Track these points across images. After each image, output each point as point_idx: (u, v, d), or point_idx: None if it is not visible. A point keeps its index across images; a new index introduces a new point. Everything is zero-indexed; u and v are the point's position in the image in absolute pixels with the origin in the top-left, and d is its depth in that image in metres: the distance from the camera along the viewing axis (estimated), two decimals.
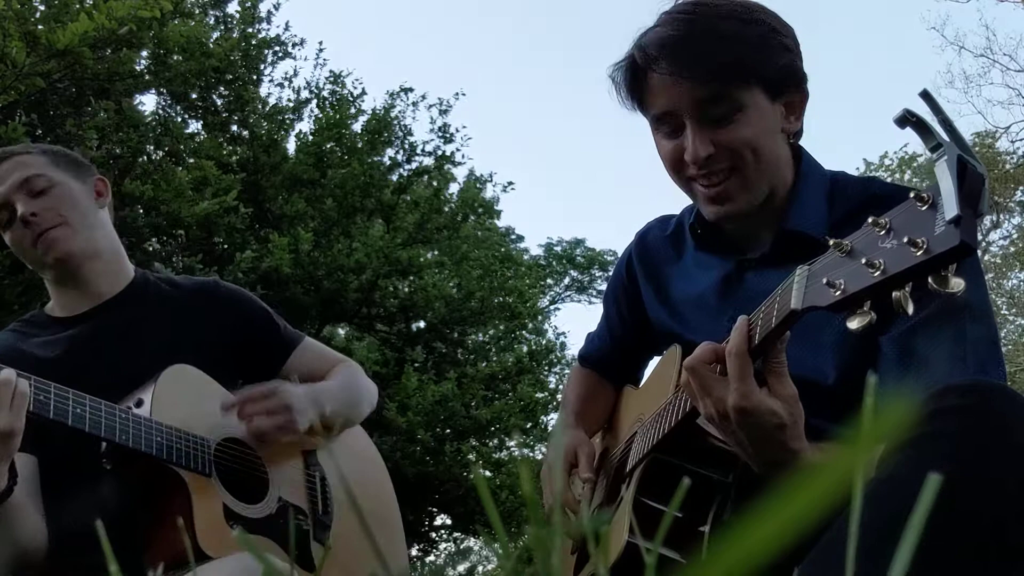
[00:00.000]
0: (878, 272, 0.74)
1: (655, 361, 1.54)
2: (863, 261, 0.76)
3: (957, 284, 0.69)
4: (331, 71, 10.31)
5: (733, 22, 1.16)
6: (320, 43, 11.01)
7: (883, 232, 0.75)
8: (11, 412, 1.18)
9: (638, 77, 1.22)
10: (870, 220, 0.76)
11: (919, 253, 0.70)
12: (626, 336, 1.56)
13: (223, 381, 1.52)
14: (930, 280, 0.70)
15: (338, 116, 9.83)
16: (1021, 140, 15.39)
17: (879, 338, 1.11)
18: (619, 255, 1.60)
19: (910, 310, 0.73)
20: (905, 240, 0.71)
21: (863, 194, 1.22)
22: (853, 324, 0.81)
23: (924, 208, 0.70)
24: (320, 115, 9.94)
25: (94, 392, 1.29)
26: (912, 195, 0.72)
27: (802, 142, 1.29)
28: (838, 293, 0.80)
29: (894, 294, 0.73)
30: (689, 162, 1.18)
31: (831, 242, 0.81)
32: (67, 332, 1.50)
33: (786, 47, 1.18)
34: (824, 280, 0.82)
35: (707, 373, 1.00)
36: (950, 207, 0.66)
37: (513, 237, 18.34)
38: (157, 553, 1.29)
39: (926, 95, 0.69)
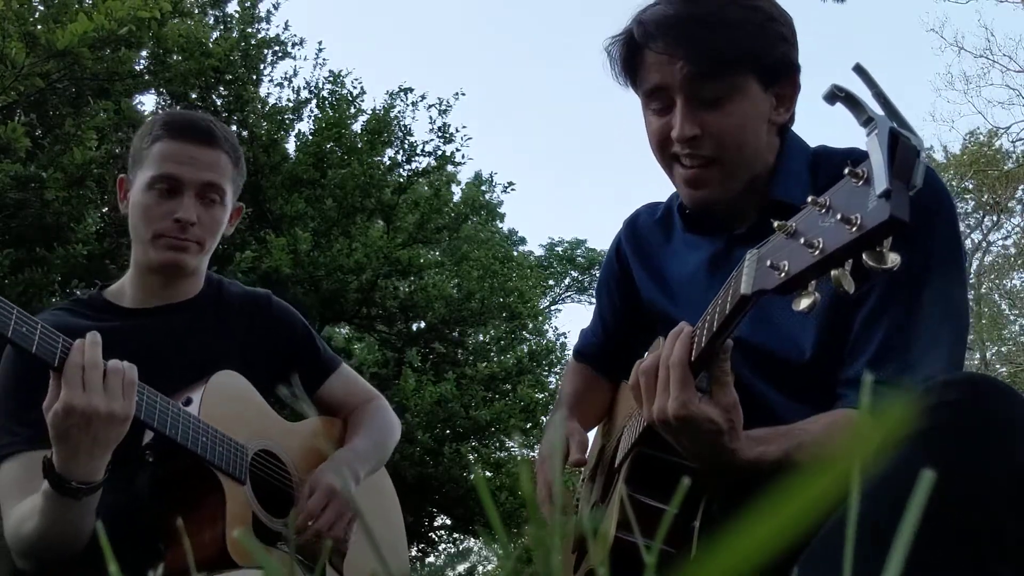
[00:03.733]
0: (817, 251, 0.73)
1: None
2: (802, 241, 0.75)
3: (894, 260, 0.68)
4: (331, 71, 10.30)
5: (734, 7, 1.17)
6: (320, 43, 10.99)
7: (823, 210, 0.74)
8: (124, 398, 1.21)
9: (634, 53, 1.22)
10: (810, 199, 0.75)
11: (853, 230, 0.68)
12: (620, 326, 1.55)
13: (259, 392, 1.53)
14: (865, 257, 0.69)
15: (337, 116, 9.82)
16: (1021, 140, 15.32)
17: (854, 315, 1.11)
18: None
19: (850, 289, 0.72)
20: (839, 217, 0.70)
21: (846, 160, 1.21)
22: (800, 305, 0.80)
23: (859, 184, 0.69)
24: (320, 115, 9.94)
25: None
26: (847, 171, 0.70)
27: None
28: (782, 275, 0.79)
29: (832, 273, 0.72)
30: (675, 140, 1.18)
31: (775, 224, 0.80)
32: (127, 323, 1.49)
33: (783, 37, 1.19)
34: (769, 263, 0.81)
35: (652, 381, 1.03)
36: (880, 181, 0.65)
37: (515, 240, 18.34)
38: (179, 548, 1.29)
39: (859, 69, 0.67)
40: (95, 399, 1.18)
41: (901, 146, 0.65)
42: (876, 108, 0.69)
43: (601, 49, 1.26)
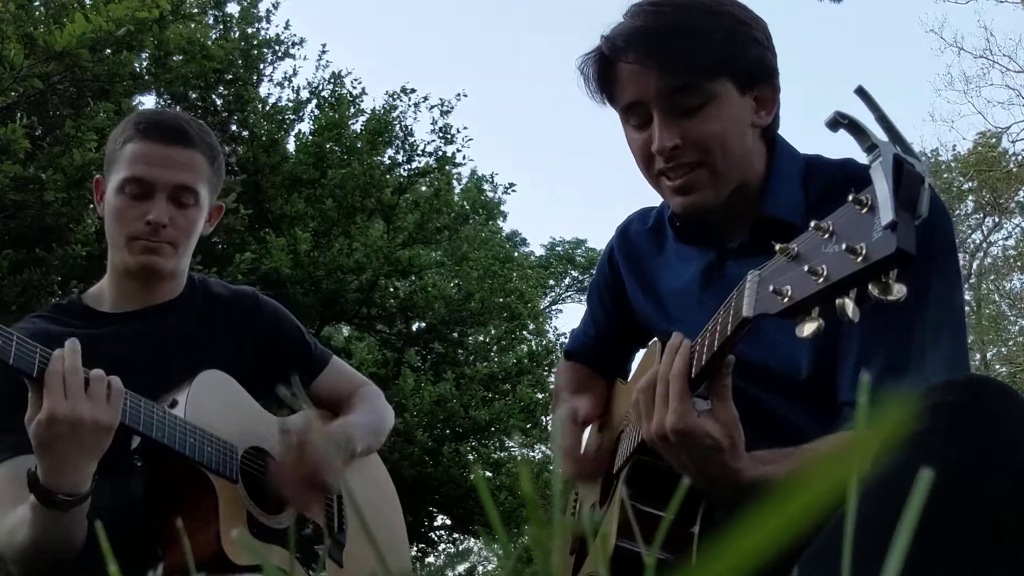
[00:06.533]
0: (821, 279, 0.72)
1: (640, 355, 1.53)
2: (806, 268, 0.74)
3: (899, 291, 0.67)
4: (332, 72, 10.28)
5: (701, 15, 1.15)
6: (323, 45, 10.91)
7: (826, 236, 0.73)
8: (109, 406, 1.20)
9: (606, 69, 1.21)
10: (813, 224, 0.75)
11: (858, 260, 0.68)
12: (611, 330, 1.54)
13: (249, 391, 1.52)
14: (871, 288, 0.68)
15: (338, 117, 9.82)
16: (1022, 140, 15.32)
17: (851, 327, 1.11)
18: None
19: (855, 318, 0.71)
20: (844, 246, 0.69)
21: (839, 174, 1.21)
22: (803, 332, 0.79)
23: (864, 212, 0.68)
24: (319, 115, 9.93)
25: None
26: (851, 198, 0.69)
27: (804, 148, 1.28)
28: (785, 300, 0.78)
29: (837, 301, 0.71)
30: (656, 153, 1.17)
31: (777, 247, 0.79)
32: (108, 329, 1.48)
33: (756, 40, 1.18)
34: (771, 287, 0.80)
35: (651, 396, 1.01)
36: (886, 212, 0.64)
37: (517, 241, 18.34)
38: (180, 553, 1.29)
39: (861, 92, 0.66)
40: (79, 406, 1.17)
41: (906, 175, 0.64)
42: (879, 132, 0.68)
43: (574, 68, 1.25)
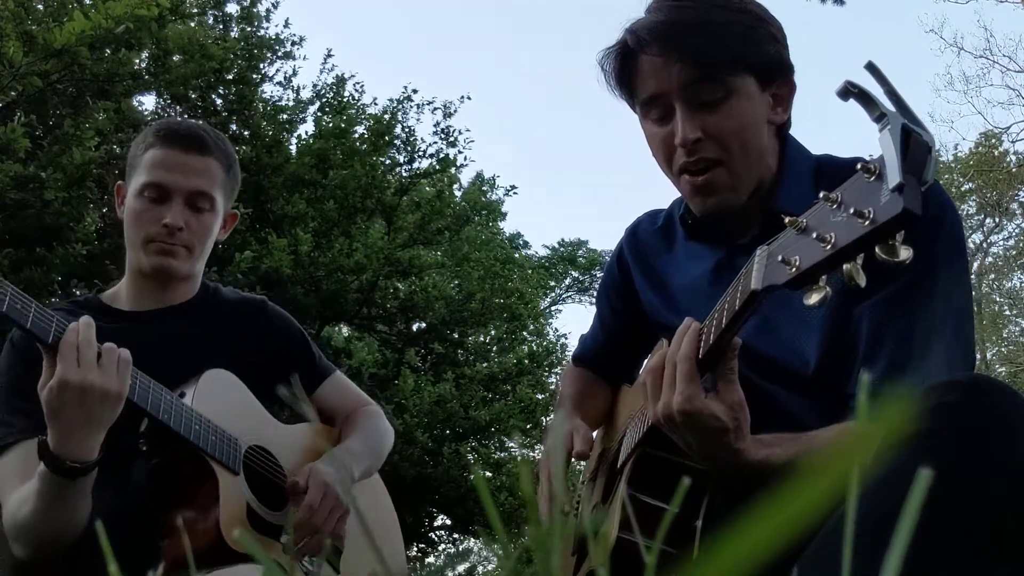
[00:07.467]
0: (829, 246, 0.74)
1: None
2: (815, 236, 0.76)
3: (906, 253, 0.68)
4: (336, 76, 10.29)
5: (723, 11, 1.18)
6: (328, 50, 10.86)
7: (834, 206, 0.74)
8: (119, 376, 1.24)
9: (628, 62, 1.22)
10: (822, 195, 0.76)
11: (865, 223, 0.69)
12: (620, 332, 1.55)
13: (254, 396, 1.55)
14: (878, 250, 0.69)
15: (344, 124, 9.83)
16: (1021, 140, 15.35)
17: (859, 323, 1.12)
18: None
19: (862, 283, 0.73)
20: (852, 211, 0.70)
21: (850, 171, 1.21)
22: (810, 300, 0.80)
23: (872, 179, 0.70)
24: (322, 116, 9.95)
25: None
26: (859, 166, 0.71)
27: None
28: (793, 270, 0.80)
29: (844, 267, 0.73)
30: (678, 145, 1.18)
31: (786, 220, 0.81)
32: (122, 326, 1.51)
33: (774, 37, 1.20)
34: (780, 258, 0.81)
35: (659, 377, 1.04)
36: (893, 175, 0.65)
37: (519, 244, 18.37)
38: (178, 541, 1.31)
39: (871, 67, 0.68)
40: (90, 374, 1.20)
41: (913, 142, 0.66)
42: (888, 105, 0.69)
43: (595, 63, 1.26)
